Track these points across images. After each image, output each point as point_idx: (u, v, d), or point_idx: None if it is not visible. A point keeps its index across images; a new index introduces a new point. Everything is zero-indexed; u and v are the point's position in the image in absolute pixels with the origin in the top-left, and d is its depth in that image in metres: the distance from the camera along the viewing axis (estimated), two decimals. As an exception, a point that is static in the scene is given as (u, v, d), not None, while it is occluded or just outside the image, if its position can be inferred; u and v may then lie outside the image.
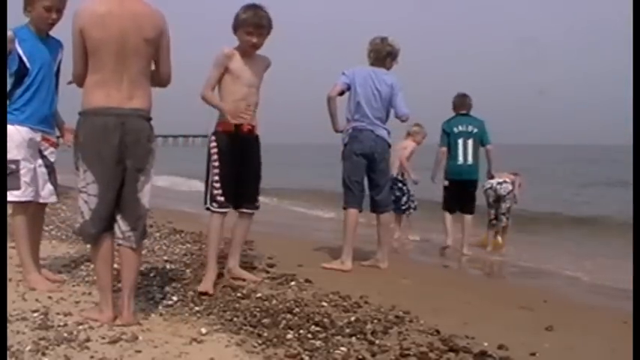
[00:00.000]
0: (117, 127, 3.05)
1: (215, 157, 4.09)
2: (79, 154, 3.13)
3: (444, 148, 6.81)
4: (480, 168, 6.91)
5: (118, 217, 3.16)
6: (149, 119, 3.21)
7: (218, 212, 4.10)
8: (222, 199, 4.08)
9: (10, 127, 3.63)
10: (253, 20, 4.03)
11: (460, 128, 6.75)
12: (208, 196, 4.11)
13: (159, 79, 3.29)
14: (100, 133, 3.06)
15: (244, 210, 4.25)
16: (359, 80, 5.06)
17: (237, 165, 4.11)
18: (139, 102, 3.13)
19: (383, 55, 5.13)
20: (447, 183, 6.94)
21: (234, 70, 4.07)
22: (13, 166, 3.64)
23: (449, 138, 6.77)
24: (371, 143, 5.05)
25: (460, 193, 6.86)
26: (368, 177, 5.17)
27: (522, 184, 7.78)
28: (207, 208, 4.13)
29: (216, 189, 4.08)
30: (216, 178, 4.08)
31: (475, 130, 6.75)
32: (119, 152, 3.07)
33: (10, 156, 3.61)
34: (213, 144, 4.11)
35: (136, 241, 3.18)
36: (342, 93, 5.12)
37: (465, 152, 6.70)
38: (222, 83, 4.11)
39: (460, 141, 6.71)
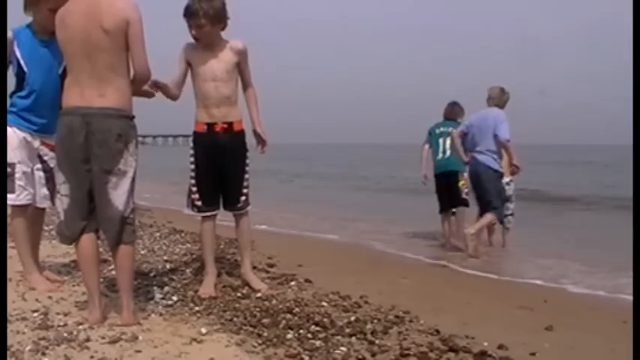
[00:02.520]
0: (82, 127, 2.98)
1: (191, 159, 3.96)
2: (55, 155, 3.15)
3: (426, 145, 7.42)
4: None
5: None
6: (126, 117, 3.07)
7: (202, 216, 3.99)
8: (199, 203, 3.95)
9: (7, 129, 3.61)
10: (186, 12, 3.78)
11: (442, 129, 7.26)
12: (189, 201, 4.01)
13: (134, 73, 3.13)
14: (66, 133, 3.03)
15: (230, 212, 4.08)
16: (475, 122, 6.67)
17: (214, 166, 3.92)
18: (110, 100, 3.01)
19: (504, 101, 6.67)
20: (434, 180, 7.31)
21: (192, 66, 3.87)
22: (9, 170, 3.61)
23: (431, 137, 7.34)
24: (474, 167, 6.61)
25: (445, 187, 7.18)
26: None
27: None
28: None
29: (194, 193, 3.95)
30: (193, 182, 3.95)
31: (454, 130, 7.06)
32: (85, 152, 3.00)
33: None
34: (191, 144, 3.99)
35: (110, 243, 3.13)
36: (464, 134, 6.72)
37: (444, 148, 7.19)
38: (192, 82, 3.93)
39: (440, 140, 7.22)
